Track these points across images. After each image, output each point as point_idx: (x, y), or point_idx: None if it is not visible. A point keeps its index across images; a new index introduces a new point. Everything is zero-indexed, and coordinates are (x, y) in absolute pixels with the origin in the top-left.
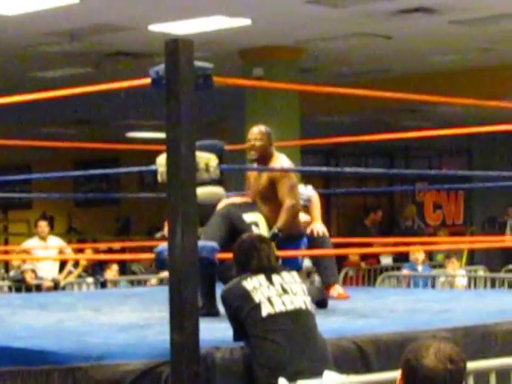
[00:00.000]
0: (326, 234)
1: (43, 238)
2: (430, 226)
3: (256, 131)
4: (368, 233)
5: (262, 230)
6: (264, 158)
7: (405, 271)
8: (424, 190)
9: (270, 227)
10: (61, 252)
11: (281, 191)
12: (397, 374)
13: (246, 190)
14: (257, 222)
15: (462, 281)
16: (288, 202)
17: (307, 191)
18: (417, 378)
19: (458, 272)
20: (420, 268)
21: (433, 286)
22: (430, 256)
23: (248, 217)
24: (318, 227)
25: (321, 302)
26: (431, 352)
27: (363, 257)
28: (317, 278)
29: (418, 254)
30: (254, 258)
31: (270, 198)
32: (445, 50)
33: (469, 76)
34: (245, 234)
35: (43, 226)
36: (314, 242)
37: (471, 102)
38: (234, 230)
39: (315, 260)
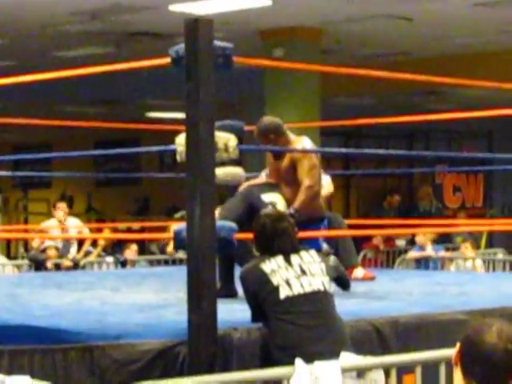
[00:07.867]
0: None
1: (61, 221)
2: (449, 208)
3: (255, 132)
4: (386, 215)
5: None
6: (273, 152)
7: (427, 252)
8: (443, 171)
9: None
10: (79, 232)
11: (300, 172)
12: (414, 356)
13: (268, 171)
14: (275, 203)
15: (479, 264)
16: (306, 182)
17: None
18: (475, 352)
19: (472, 255)
20: (429, 249)
21: (442, 267)
22: (445, 238)
23: (267, 197)
24: None
25: (340, 281)
26: (493, 330)
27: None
28: (332, 258)
29: (422, 237)
30: (276, 241)
31: (291, 181)
32: (466, 32)
33: (490, 58)
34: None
35: (62, 207)
36: (330, 225)
37: (492, 84)
38: (252, 210)
39: (333, 244)
